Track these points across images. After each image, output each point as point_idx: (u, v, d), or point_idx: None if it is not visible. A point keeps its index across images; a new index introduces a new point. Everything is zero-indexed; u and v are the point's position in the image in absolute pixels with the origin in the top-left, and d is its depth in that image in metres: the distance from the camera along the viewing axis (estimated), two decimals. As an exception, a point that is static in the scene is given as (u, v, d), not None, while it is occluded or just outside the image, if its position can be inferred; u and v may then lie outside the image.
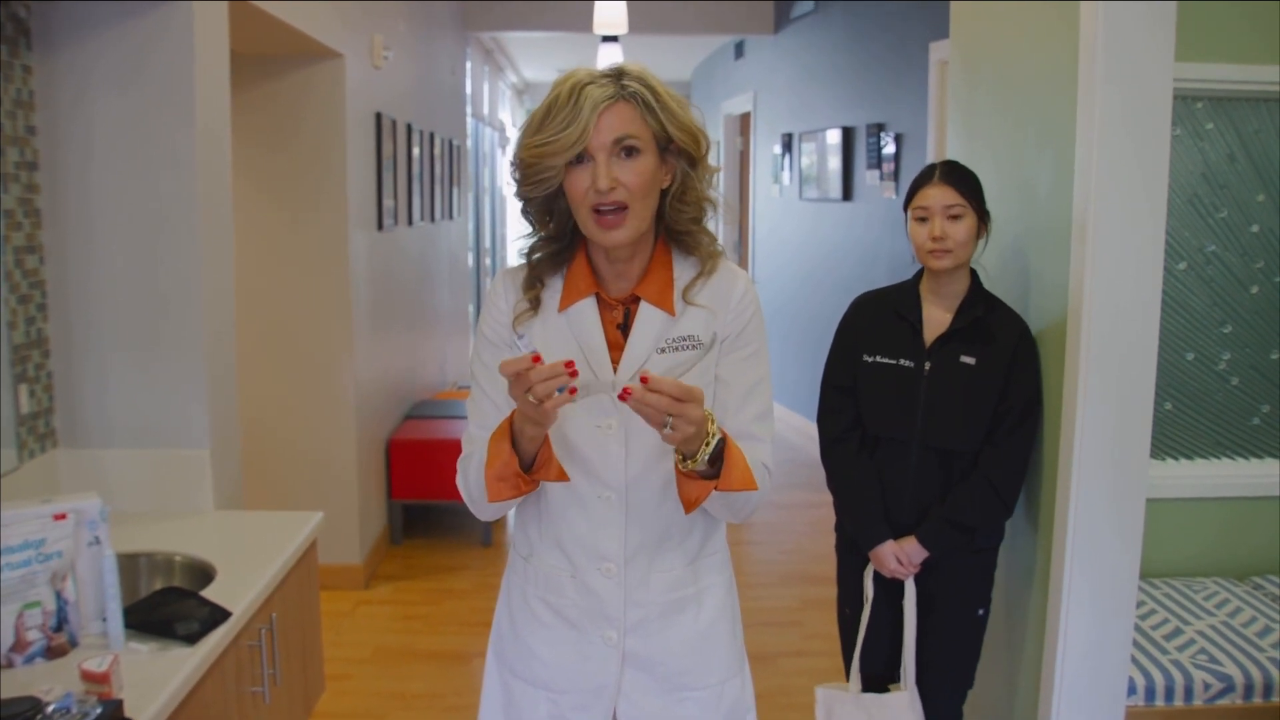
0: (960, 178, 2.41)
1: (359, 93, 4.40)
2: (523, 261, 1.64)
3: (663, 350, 1.57)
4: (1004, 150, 2.74)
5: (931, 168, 2.46)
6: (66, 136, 2.53)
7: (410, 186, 5.39)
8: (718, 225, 1.66)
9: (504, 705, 1.74)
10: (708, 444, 1.42)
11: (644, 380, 1.33)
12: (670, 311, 1.58)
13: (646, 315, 1.58)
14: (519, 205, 1.61)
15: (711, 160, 1.60)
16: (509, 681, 1.73)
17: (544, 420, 1.42)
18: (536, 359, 1.36)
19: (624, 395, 1.35)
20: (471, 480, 1.58)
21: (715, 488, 1.47)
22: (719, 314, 1.60)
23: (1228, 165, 3.05)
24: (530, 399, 1.36)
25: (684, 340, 1.58)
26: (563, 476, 1.53)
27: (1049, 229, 2.51)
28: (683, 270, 1.61)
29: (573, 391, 1.36)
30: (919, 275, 2.52)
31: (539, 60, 10.92)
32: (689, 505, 1.51)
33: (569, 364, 1.36)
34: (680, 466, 1.47)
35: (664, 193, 1.56)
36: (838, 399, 2.52)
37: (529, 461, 1.50)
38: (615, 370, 1.57)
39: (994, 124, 2.84)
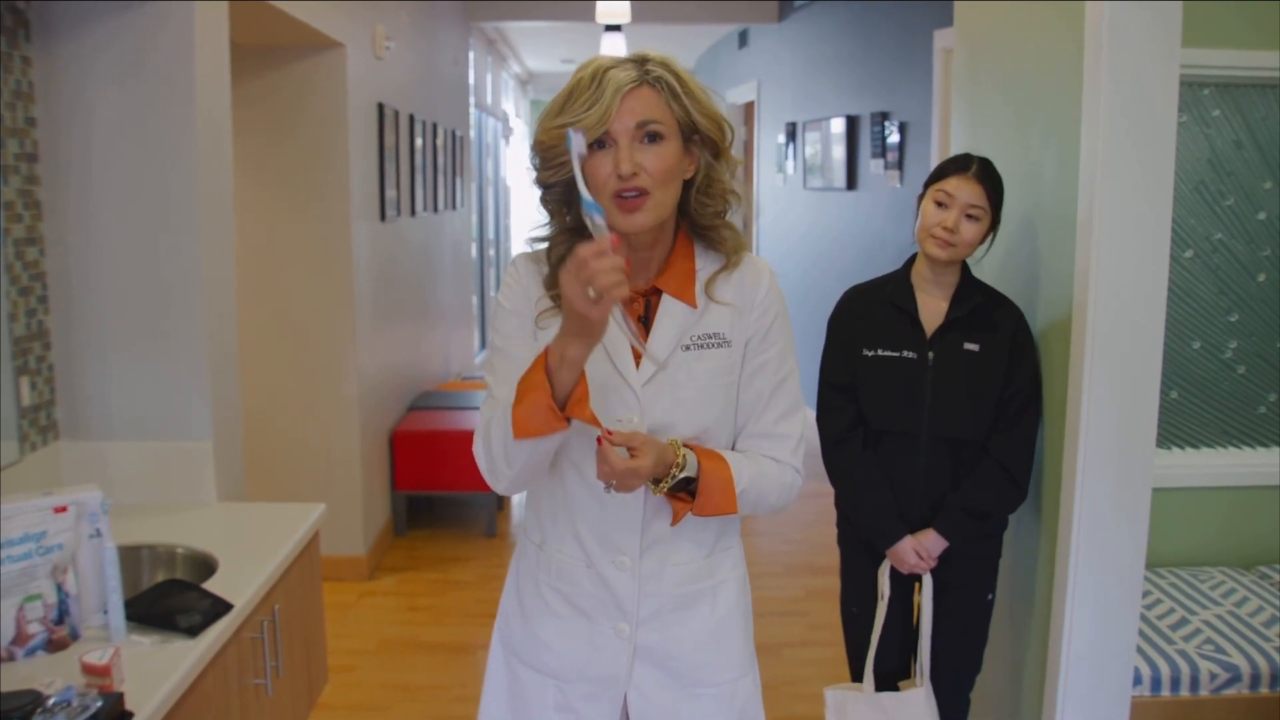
0: (992, 181, 2.39)
1: (361, 83, 4.39)
2: (540, 249, 1.60)
3: (687, 348, 1.56)
4: (1009, 139, 2.73)
5: (968, 158, 2.42)
6: (67, 128, 2.52)
7: (413, 177, 5.38)
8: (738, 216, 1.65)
9: (509, 692, 1.73)
10: (671, 476, 1.50)
11: (599, 441, 1.44)
12: (691, 303, 1.56)
13: (668, 308, 1.56)
14: (537, 196, 1.58)
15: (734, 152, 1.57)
16: (516, 668, 1.72)
17: (595, 326, 1.35)
18: (617, 242, 1.33)
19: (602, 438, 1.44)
20: (495, 432, 1.48)
21: (691, 512, 1.54)
22: (744, 312, 1.59)
23: (1235, 152, 3.03)
24: (590, 293, 1.31)
25: (710, 338, 1.57)
26: (595, 421, 1.43)
27: (1054, 218, 2.49)
28: (705, 263, 1.59)
29: (628, 307, 1.37)
30: (908, 265, 2.50)
31: (542, 50, 10.89)
32: (674, 519, 1.57)
33: (622, 251, 1.34)
34: (651, 490, 1.52)
35: (688, 184, 1.54)
36: (837, 397, 2.48)
37: (563, 398, 1.41)
38: (637, 365, 1.56)
39: (999, 113, 2.82)
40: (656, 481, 1.50)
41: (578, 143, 1.40)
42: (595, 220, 1.38)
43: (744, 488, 1.56)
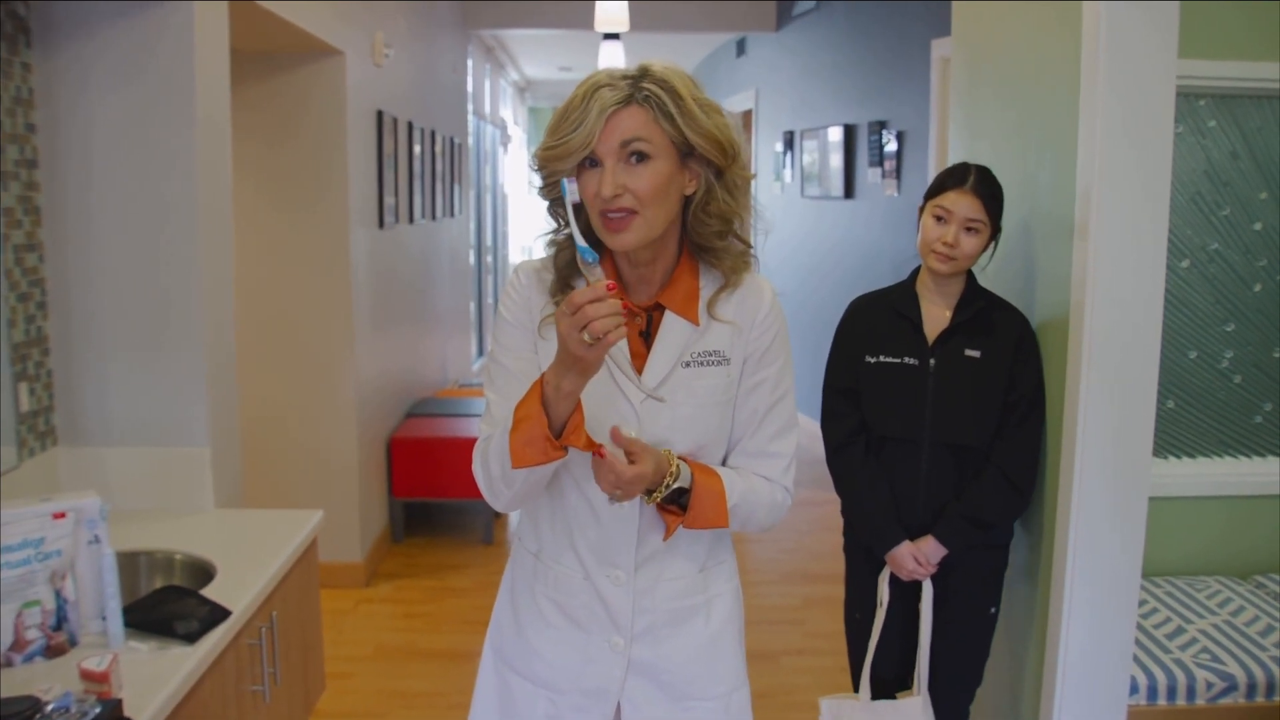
0: (990, 192, 2.38)
1: (360, 90, 4.39)
2: (546, 255, 1.60)
3: (688, 364, 1.56)
4: (1006, 148, 2.73)
5: (965, 170, 2.41)
6: (66, 134, 2.52)
7: (411, 184, 5.38)
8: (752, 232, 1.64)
9: (499, 700, 1.73)
10: (666, 485, 1.50)
11: (601, 450, 1.44)
12: (694, 321, 1.56)
13: (670, 324, 1.56)
14: (545, 205, 1.58)
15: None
16: (507, 677, 1.72)
17: (591, 365, 1.36)
18: (613, 288, 1.32)
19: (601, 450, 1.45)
20: (493, 457, 1.49)
21: (682, 524, 1.55)
22: (744, 330, 1.58)
23: (1230, 163, 3.04)
24: (585, 337, 1.31)
25: (710, 355, 1.57)
26: (592, 446, 1.44)
27: (1051, 227, 2.50)
28: (708, 280, 1.58)
29: (629, 323, 1.35)
30: (915, 274, 2.51)
31: (540, 58, 10.91)
32: (666, 532, 1.57)
33: (617, 294, 1.33)
34: (644, 500, 1.53)
35: (689, 200, 1.52)
36: (840, 403, 2.49)
37: (559, 427, 1.43)
38: (637, 377, 1.55)
39: (996, 122, 2.83)
40: (649, 492, 1.50)
41: (571, 191, 1.41)
42: (590, 267, 1.39)
43: (735, 502, 1.56)
